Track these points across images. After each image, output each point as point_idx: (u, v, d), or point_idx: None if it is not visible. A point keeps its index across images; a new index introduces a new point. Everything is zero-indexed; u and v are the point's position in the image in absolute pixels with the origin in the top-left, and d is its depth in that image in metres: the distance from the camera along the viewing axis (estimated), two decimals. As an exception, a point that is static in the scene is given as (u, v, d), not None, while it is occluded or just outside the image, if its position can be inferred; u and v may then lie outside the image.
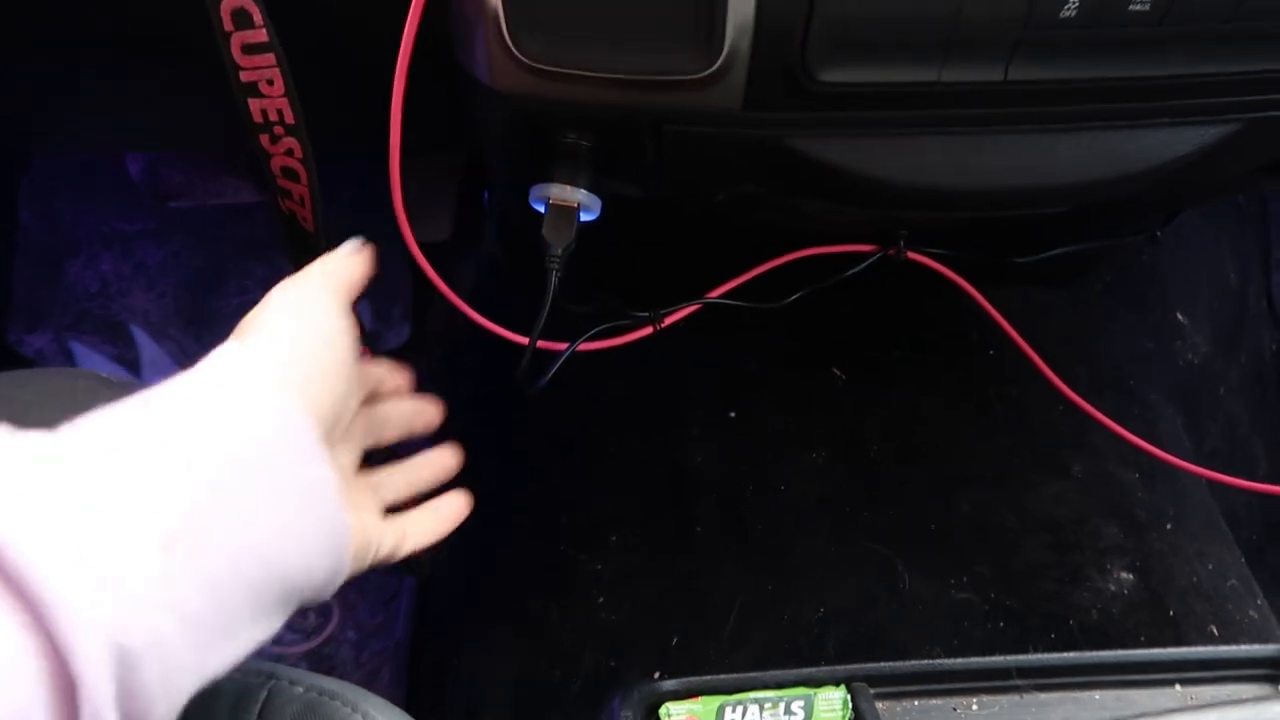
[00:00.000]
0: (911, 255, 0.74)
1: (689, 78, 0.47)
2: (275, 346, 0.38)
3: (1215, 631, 0.78)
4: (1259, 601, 0.82)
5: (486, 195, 1.07)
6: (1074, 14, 0.45)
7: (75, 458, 0.31)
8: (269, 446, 0.35)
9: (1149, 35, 0.46)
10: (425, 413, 0.49)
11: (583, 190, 0.56)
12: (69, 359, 1.21)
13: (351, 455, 0.44)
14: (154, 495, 0.31)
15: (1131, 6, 0.45)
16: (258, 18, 0.46)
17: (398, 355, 0.78)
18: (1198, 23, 0.46)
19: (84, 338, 1.23)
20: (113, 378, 0.47)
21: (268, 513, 0.34)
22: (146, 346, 1.23)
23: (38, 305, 1.22)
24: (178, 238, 1.26)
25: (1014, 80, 0.48)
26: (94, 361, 1.22)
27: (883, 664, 0.54)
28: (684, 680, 0.52)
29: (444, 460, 0.49)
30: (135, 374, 1.21)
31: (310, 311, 0.40)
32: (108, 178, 1.25)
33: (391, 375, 0.48)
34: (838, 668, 0.54)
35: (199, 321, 1.24)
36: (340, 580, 0.38)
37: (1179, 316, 1.04)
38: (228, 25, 0.46)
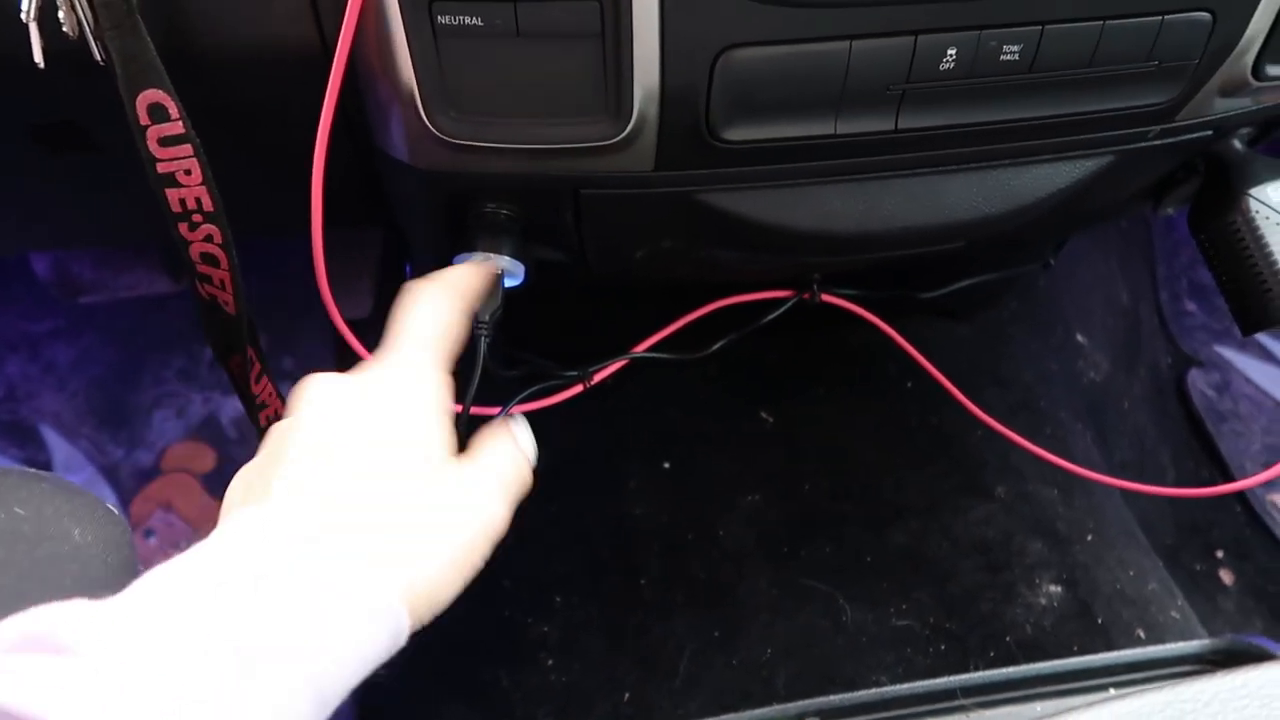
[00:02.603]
0: (826, 297, 0.77)
1: (602, 144, 0.49)
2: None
3: (1142, 634, 0.81)
4: (1179, 602, 0.86)
5: (409, 268, 1.08)
6: (952, 66, 0.49)
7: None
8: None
9: (1021, 81, 0.50)
10: None
11: (506, 257, 0.57)
12: (-24, 466, 1.17)
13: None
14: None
15: (1003, 57, 0.49)
16: (174, 111, 0.46)
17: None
18: (1063, 68, 0.50)
19: (-9, 443, 1.19)
20: (39, 473, 0.47)
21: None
22: (59, 448, 1.20)
23: (-58, 413, 1.18)
24: (89, 334, 1.23)
25: (904, 128, 0.51)
26: (2, 466, 1.18)
27: (832, 697, 0.55)
28: (639, 733, 0.53)
29: None
30: (49, 476, 1.17)
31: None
32: (11, 277, 1.22)
33: None
34: (789, 705, 0.55)
35: (114, 419, 1.20)
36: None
37: (1079, 338, 1.09)
38: (143, 119, 0.46)
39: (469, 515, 0.40)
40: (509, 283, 0.58)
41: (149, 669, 0.30)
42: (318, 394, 0.43)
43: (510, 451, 0.45)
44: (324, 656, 0.33)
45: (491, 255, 0.56)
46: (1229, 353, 1.25)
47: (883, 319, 0.80)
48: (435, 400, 0.42)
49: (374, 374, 0.43)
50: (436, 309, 0.46)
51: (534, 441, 0.48)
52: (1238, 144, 0.64)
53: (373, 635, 0.35)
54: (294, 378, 1.24)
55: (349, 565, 0.35)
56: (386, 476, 0.39)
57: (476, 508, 0.41)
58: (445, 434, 0.42)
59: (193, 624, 0.32)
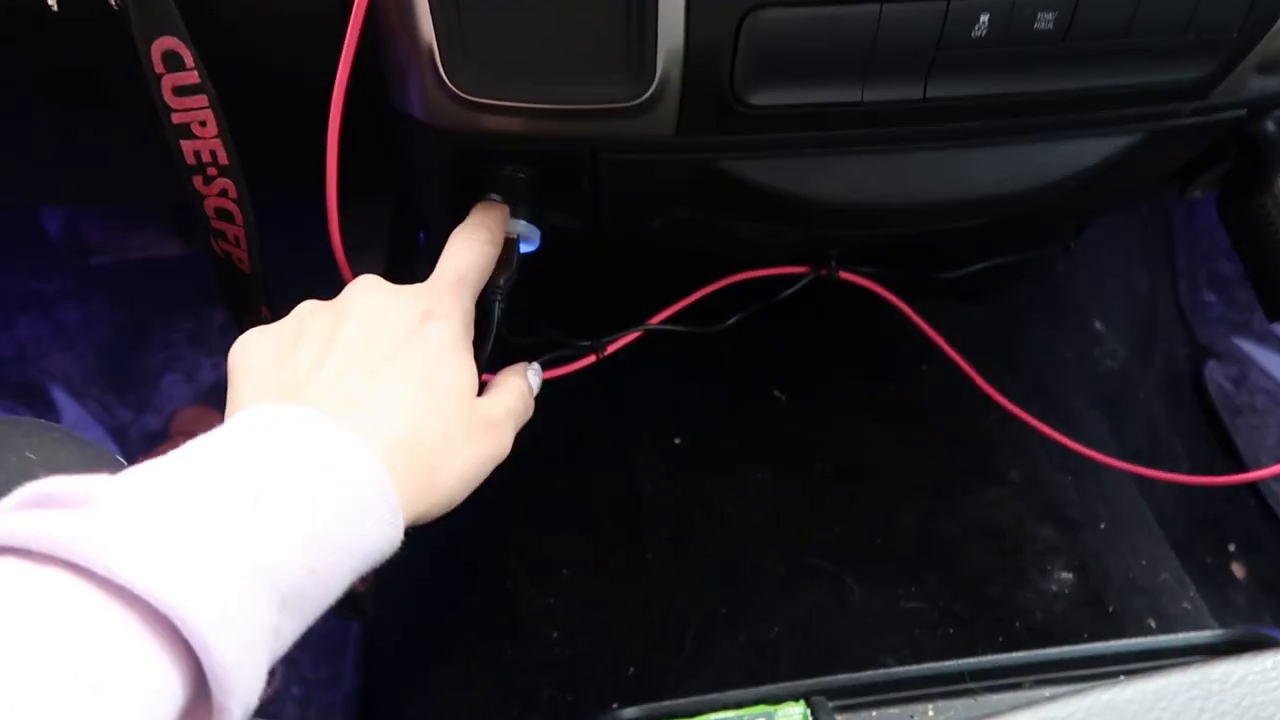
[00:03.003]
0: (843, 275, 0.76)
1: (623, 106, 0.48)
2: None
3: (1153, 624, 0.80)
4: (1191, 593, 0.85)
5: (422, 236, 1.07)
6: (984, 33, 0.47)
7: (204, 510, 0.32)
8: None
9: (1055, 51, 0.49)
10: None
11: (522, 222, 0.56)
12: (-15, 426, 1.17)
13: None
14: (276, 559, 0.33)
15: (1037, 25, 0.48)
16: (189, 60, 0.46)
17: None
18: (1098, 38, 0.49)
19: (1, 402, 1.19)
20: (50, 424, 0.46)
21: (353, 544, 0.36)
22: (68, 409, 1.19)
23: (-51, 373, 1.18)
24: (98, 296, 1.23)
25: (933, 98, 0.50)
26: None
27: (839, 676, 0.55)
28: (643, 707, 0.52)
29: None
30: (57, 437, 1.17)
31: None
32: (22, 236, 1.22)
33: None
34: (796, 683, 0.54)
35: (123, 381, 1.20)
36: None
37: (1096, 325, 1.08)
38: (159, 68, 0.45)
39: (486, 443, 0.45)
40: (524, 248, 0.57)
41: (151, 510, 0.31)
42: (369, 294, 0.46)
43: (523, 389, 0.51)
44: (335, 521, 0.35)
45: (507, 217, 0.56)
46: (1247, 345, 1.24)
47: (900, 299, 0.79)
48: (462, 341, 0.47)
49: (420, 301, 0.46)
50: (469, 246, 0.51)
51: (541, 382, 0.55)
52: (1271, 125, 0.63)
53: (377, 514, 0.37)
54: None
55: (360, 451, 0.37)
56: (423, 406, 0.42)
57: (492, 440, 0.45)
58: (472, 372, 0.46)
59: (210, 478, 0.33)
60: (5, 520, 0.30)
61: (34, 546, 0.29)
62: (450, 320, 0.46)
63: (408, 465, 0.39)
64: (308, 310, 0.45)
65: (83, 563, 0.28)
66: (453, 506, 0.42)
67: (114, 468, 0.44)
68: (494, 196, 0.55)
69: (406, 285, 0.47)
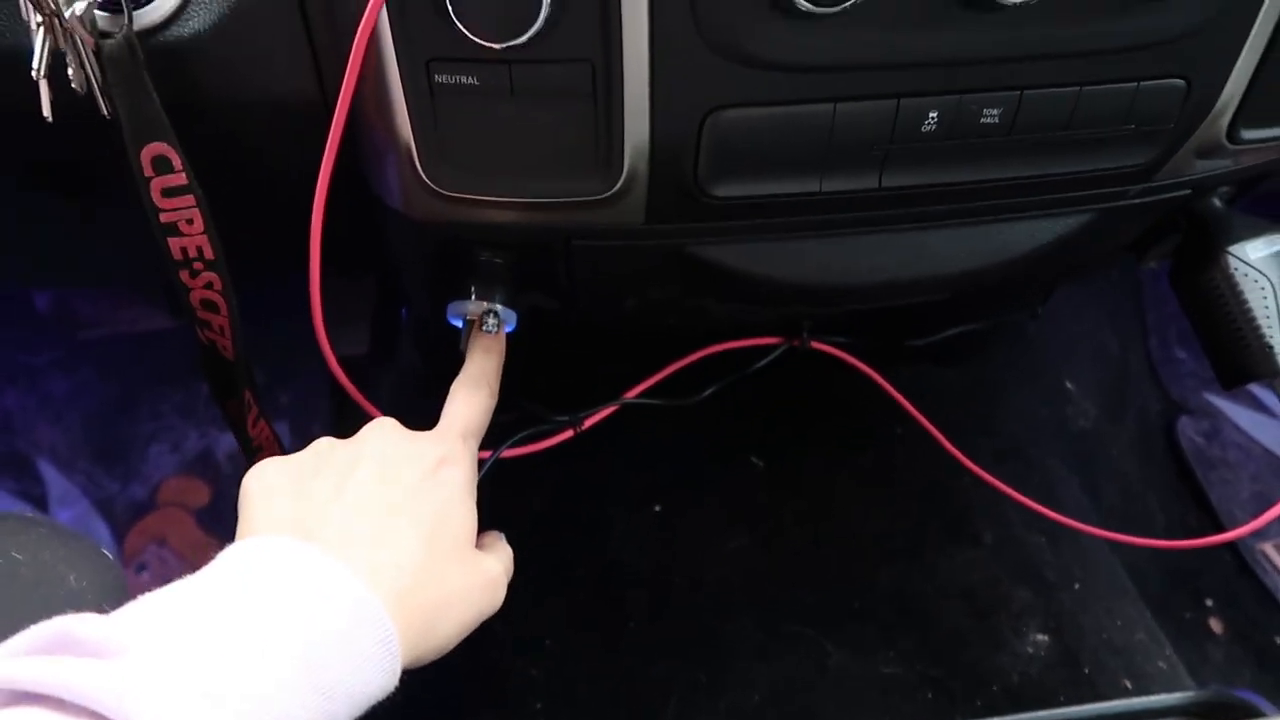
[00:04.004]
0: (815, 345, 0.79)
1: (593, 199, 0.50)
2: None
3: (1128, 684, 0.81)
4: (1167, 652, 0.86)
5: (404, 311, 1.09)
6: (934, 128, 0.50)
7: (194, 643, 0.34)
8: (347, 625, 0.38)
9: (1002, 143, 0.52)
10: None
11: (498, 305, 0.58)
12: (-31, 498, 1.17)
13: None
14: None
15: (983, 119, 0.50)
16: (177, 162, 0.48)
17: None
18: (1042, 130, 0.51)
19: (-14, 475, 1.19)
20: (36, 517, 0.47)
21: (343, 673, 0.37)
22: (54, 481, 1.20)
23: (-63, 445, 1.18)
24: (86, 367, 1.24)
25: (888, 186, 0.53)
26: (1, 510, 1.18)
27: (819, 745, 0.56)
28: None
29: None
30: (43, 509, 1.17)
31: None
32: (11, 309, 1.23)
33: None
34: (775, 753, 0.55)
35: (110, 451, 1.21)
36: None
37: (1068, 385, 1.10)
38: (148, 171, 0.47)
39: (485, 598, 0.46)
40: (501, 330, 0.59)
41: (175, 663, 0.33)
42: (386, 436, 0.48)
43: (509, 553, 0.52)
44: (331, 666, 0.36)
45: (484, 302, 0.58)
46: (1218, 400, 1.26)
47: (872, 366, 0.81)
48: (471, 489, 0.49)
49: (435, 448, 0.48)
50: (474, 401, 0.54)
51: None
52: (1217, 202, 0.65)
53: (378, 661, 0.38)
54: (290, 414, 1.25)
55: (368, 600, 0.38)
56: (432, 555, 0.43)
57: (489, 595, 0.47)
58: (474, 520, 0.48)
59: (227, 627, 0.35)
60: (34, 666, 0.31)
61: (65, 696, 0.30)
62: (460, 468, 0.48)
63: (410, 613, 0.40)
64: (325, 446, 0.47)
65: (114, 717, 0.30)
66: (446, 652, 0.43)
67: (98, 562, 0.45)
68: (493, 320, 0.58)
69: (419, 432, 0.50)
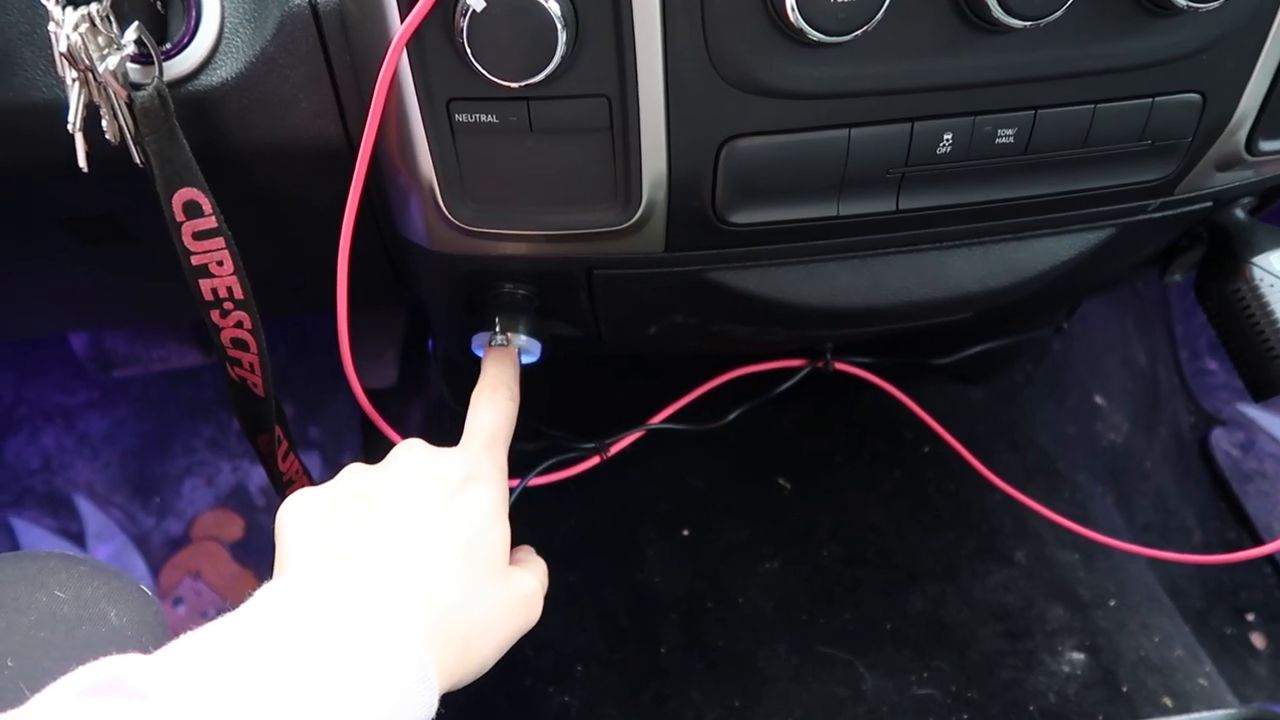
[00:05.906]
0: (839, 366, 0.79)
1: (613, 229, 0.51)
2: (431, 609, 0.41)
3: (1169, 703, 0.80)
4: (1207, 668, 0.85)
5: (431, 343, 1.11)
6: (949, 150, 0.50)
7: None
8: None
9: (1018, 163, 0.52)
10: None
11: (523, 335, 0.59)
12: (10, 536, 1.19)
13: None
14: None
15: (999, 140, 0.51)
16: (207, 207, 0.49)
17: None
18: (1058, 149, 0.52)
19: (26, 513, 1.21)
20: (78, 555, 0.49)
21: None
22: (91, 518, 1.22)
23: (-22, 486, 1.20)
24: (122, 405, 1.26)
25: (905, 209, 0.53)
26: (35, 536, 1.20)
27: (854, 769, 0.56)
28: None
29: None
30: (80, 546, 1.19)
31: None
32: (48, 352, 1.26)
33: None
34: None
35: (146, 487, 1.23)
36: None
37: (1097, 399, 1.09)
38: (179, 216, 0.49)
39: (521, 614, 0.46)
40: (525, 359, 0.60)
41: (219, 708, 0.33)
42: (413, 458, 0.48)
43: (544, 566, 0.52)
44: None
45: (509, 333, 0.59)
46: (1252, 411, 1.25)
47: (896, 386, 0.81)
48: (503, 504, 0.49)
49: (461, 465, 0.48)
50: (494, 406, 0.53)
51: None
52: (1240, 213, 0.65)
53: (416, 696, 0.38)
54: (320, 447, 1.26)
55: (404, 636, 0.39)
56: (468, 576, 0.43)
57: (525, 611, 0.47)
58: (508, 535, 0.48)
59: (268, 672, 0.35)
60: (83, 707, 0.32)
61: None
62: (489, 484, 0.48)
63: (448, 635, 0.41)
64: (354, 474, 0.47)
65: None
66: (485, 671, 0.44)
67: (138, 599, 0.46)
68: (501, 335, 0.58)
69: (445, 448, 0.50)
